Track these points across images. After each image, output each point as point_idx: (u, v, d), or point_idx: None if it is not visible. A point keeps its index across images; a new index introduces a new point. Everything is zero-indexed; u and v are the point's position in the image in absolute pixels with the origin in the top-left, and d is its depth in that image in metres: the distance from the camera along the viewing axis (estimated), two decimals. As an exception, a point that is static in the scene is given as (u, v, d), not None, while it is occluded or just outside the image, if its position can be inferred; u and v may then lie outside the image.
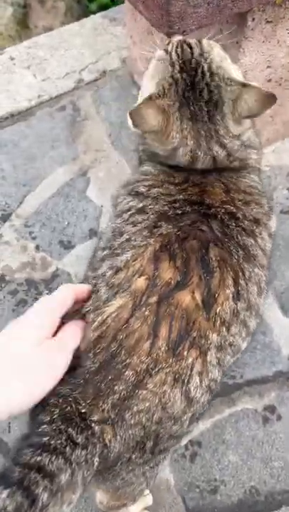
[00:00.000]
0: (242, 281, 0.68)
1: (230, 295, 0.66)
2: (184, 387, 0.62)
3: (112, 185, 1.39)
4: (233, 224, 0.71)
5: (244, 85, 0.70)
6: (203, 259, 0.65)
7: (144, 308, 0.61)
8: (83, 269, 1.27)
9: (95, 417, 0.59)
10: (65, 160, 1.44)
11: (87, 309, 0.65)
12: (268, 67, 1.10)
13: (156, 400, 0.61)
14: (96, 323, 0.63)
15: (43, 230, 1.33)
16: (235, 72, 0.74)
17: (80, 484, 0.57)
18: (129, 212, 0.73)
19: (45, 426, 0.56)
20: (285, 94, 1.22)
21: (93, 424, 0.59)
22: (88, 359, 0.62)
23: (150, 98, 0.69)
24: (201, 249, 0.66)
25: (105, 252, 0.71)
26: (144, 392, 0.61)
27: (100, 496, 0.87)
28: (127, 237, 0.69)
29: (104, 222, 1.34)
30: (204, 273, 0.64)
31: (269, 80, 1.15)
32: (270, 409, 1.08)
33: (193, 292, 0.63)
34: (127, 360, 0.61)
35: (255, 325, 0.74)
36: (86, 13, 2.73)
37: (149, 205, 0.72)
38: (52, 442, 0.55)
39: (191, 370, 0.63)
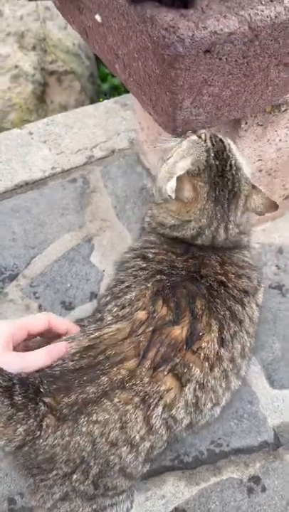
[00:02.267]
0: (226, 334, 0.76)
1: (215, 339, 0.74)
2: (147, 412, 0.67)
3: (114, 252, 1.50)
4: (222, 290, 0.80)
5: (254, 187, 0.86)
6: (190, 305, 0.74)
7: (140, 336, 0.70)
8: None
9: (47, 400, 0.63)
10: (72, 227, 1.55)
11: (90, 331, 0.73)
12: (259, 159, 1.25)
13: (116, 417, 0.65)
14: (92, 335, 0.71)
15: (47, 291, 1.41)
16: (247, 170, 0.89)
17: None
18: (132, 269, 0.84)
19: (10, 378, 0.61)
20: (274, 183, 1.37)
21: (41, 403, 0.63)
22: (71, 359, 0.68)
23: (188, 173, 0.82)
24: (188, 297, 0.75)
25: (108, 298, 0.81)
26: (109, 403, 0.65)
27: None
28: (128, 284, 0.80)
29: (104, 286, 1.43)
30: (192, 316, 0.73)
31: (260, 170, 1.30)
32: (255, 479, 1.11)
33: (183, 328, 0.72)
34: (107, 369, 0.66)
35: (236, 386, 0.81)
36: (98, 92, 3.01)
37: (152, 265, 0.83)
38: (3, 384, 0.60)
39: (160, 398, 0.68)
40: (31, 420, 0.62)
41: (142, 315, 0.72)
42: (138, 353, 0.68)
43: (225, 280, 0.82)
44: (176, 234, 0.88)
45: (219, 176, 0.83)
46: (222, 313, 0.77)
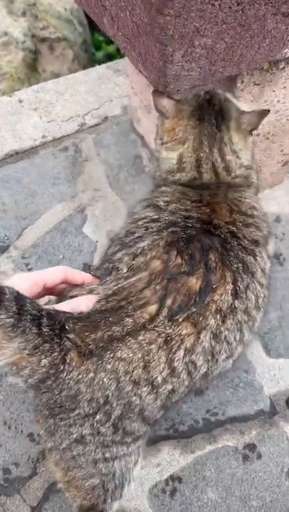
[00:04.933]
0: (240, 285, 0.76)
1: (229, 291, 0.74)
2: (170, 355, 0.68)
3: (107, 222, 1.46)
4: (235, 242, 0.79)
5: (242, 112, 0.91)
6: (204, 258, 0.74)
7: (157, 285, 0.70)
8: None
9: (71, 336, 0.64)
10: (64, 197, 1.51)
11: (107, 280, 0.74)
12: (256, 122, 1.20)
13: (140, 355, 0.66)
14: (114, 286, 0.72)
15: (39, 263, 1.38)
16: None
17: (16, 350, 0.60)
18: (144, 220, 0.82)
19: (28, 306, 0.61)
20: (272, 148, 1.32)
21: (65, 338, 0.64)
22: (98, 304, 0.70)
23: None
24: (202, 250, 0.75)
25: (118, 247, 0.80)
26: (133, 341, 0.66)
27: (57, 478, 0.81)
28: (139, 235, 0.79)
29: (98, 257, 1.40)
30: (206, 269, 0.73)
31: (258, 134, 1.25)
32: (251, 447, 1.10)
33: (197, 280, 0.72)
34: (131, 312, 0.68)
35: (249, 339, 0.82)
36: (92, 61, 2.90)
37: (164, 216, 0.81)
38: (27, 308, 0.60)
39: (181, 342, 0.69)
40: (55, 353, 0.63)
41: (157, 264, 0.73)
42: (157, 300, 0.70)
43: (235, 231, 0.81)
44: (182, 176, 0.90)
45: (206, 101, 0.90)
46: (235, 266, 0.77)
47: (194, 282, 0.72)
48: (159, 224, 0.80)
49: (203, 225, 0.80)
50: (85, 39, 2.92)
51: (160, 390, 0.70)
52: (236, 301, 0.75)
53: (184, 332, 0.70)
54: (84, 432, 0.69)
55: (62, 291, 0.77)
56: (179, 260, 0.73)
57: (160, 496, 1.04)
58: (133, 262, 0.74)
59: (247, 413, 1.15)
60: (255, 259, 0.81)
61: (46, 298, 0.79)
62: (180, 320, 0.69)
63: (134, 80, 1.53)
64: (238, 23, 0.78)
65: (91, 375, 0.65)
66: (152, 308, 0.69)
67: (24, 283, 0.66)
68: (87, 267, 1.38)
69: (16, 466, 1.07)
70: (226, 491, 1.05)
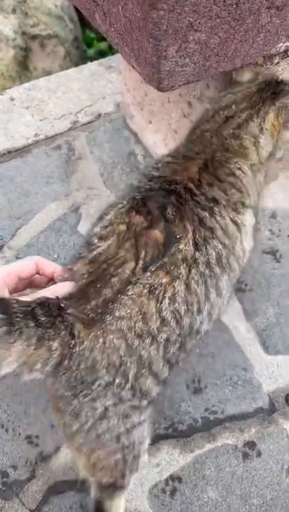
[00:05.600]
0: (199, 238, 0.80)
1: (190, 241, 0.78)
2: (157, 304, 0.72)
3: (102, 221, 1.45)
4: (189, 197, 0.83)
5: None
6: (162, 213, 0.79)
7: (126, 243, 0.74)
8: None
9: (71, 310, 0.66)
10: (58, 196, 1.50)
11: (82, 255, 0.77)
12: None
13: (136, 309, 0.70)
14: (89, 257, 0.75)
15: (34, 263, 1.36)
16: None
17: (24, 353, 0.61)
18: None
19: (15, 306, 0.62)
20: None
21: (65, 314, 0.65)
22: (81, 279, 0.72)
23: None
24: (159, 206, 0.80)
25: (91, 227, 0.87)
26: (126, 298, 0.69)
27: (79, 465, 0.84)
28: (106, 211, 0.85)
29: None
30: (165, 221, 0.78)
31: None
32: (250, 445, 1.10)
33: (161, 232, 0.76)
34: (114, 272, 0.72)
35: (216, 301, 0.84)
36: (84, 58, 2.88)
37: (135, 187, 0.89)
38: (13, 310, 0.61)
39: (164, 291, 0.73)
40: (63, 332, 0.64)
41: (122, 227, 0.77)
42: (132, 257, 0.73)
43: (192, 187, 0.84)
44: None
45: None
46: (191, 218, 0.80)
47: (158, 235, 0.76)
48: (126, 196, 0.86)
49: (163, 183, 0.85)
50: (77, 36, 2.89)
51: (158, 339, 0.73)
52: (197, 253, 0.79)
53: (164, 281, 0.73)
54: (107, 403, 0.70)
55: (42, 283, 0.77)
56: (139, 219, 0.77)
57: (160, 496, 1.04)
58: (102, 232, 0.79)
59: (246, 411, 1.14)
60: (212, 216, 0.83)
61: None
62: (153, 270, 0.73)
63: (127, 77, 1.52)
64: (232, 17, 0.77)
65: (101, 340, 0.67)
66: (130, 265, 0.73)
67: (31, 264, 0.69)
68: (82, 267, 1.37)
69: (14, 469, 1.06)
70: (226, 490, 1.05)
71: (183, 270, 0.76)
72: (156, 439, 1.10)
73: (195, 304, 0.79)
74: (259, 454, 1.09)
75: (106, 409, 0.71)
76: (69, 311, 0.66)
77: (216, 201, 0.85)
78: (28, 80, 2.52)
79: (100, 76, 1.85)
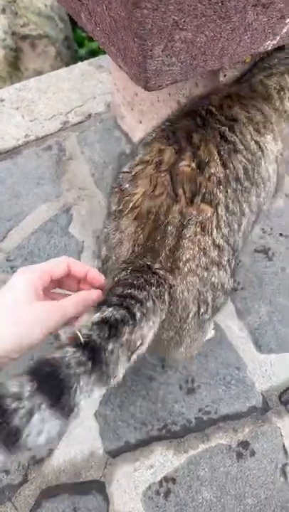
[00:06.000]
0: (224, 154, 0.85)
1: (218, 161, 0.83)
2: (210, 237, 0.79)
3: (93, 221, 1.44)
4: (210, 117, 0.89)
5: None
6: (189, 141, 0.84)
7: (160, 187, 0.80)
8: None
9: (157, 266, 0.76)
10: (49, 197, 1.49)
11: (119, 208, 0.83)
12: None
13: (197, 248, 0.78)
14: (129, 209, 0.81)
15: (25, 265, 1.35)
16: None
17: (159, 311, 0.71)
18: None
19: (126, 274, 0.73)
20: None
21: (157, 271, 0.75)
22: (136, 236, 0.79)
23: None
24: (186, 136, 0.85)
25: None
26: (186, 241, 0.77)
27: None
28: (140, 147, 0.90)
29: (85, 257, 1.38)
30: (192, 148, 0.83)
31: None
32: (244, 444, 1.10)
33: (189, 163, 0.81)
34: (166, 220, 0.78)
35: (248, 214, 0.89)
36: (75, 58, 2.86)
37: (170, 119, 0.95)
38: (135, 282, 0.70)
39: (211, 223, 0.80)
40: (166, 286, 0.75)
41: (150, 170, 0.82)
42: (172, 197, 0.79)
43: (214, 110, 0.90)
44: None
45: None
46: (213, 136, 0.85)
47: (189, 166, 0.81)
48: (156, 128, 0.93)
49: (189, 110, 0.92)
50: (67, 35, 2.87)
51: (223, 263, 0.82)
52: (227, 171, 0.84)
53: (208, 215, 0.80)
54: (197, 323, 0.84)
55: (71, 285, 0.72)
56: (168, 153, 0.83)
57: (154, 498, 1.03)
58: (132, 174, 0.85)
59: (240, 410, 1.14)
60: (232, 132, 0.88)
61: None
62: (199, 203, 0.79)
63: (117, 76, 1.51)
64: (218, 15, 0.76)
65: (184, 281, 0.78)
66: (176, 208, 0.78)
67: (36, 276, 0.62)
68: (74, 268, 1.36)
69: (6, 473, 1.05)
70: (221, 490, 1.04)
71: (220, 194, 0.82)
72: (150, 441, 1.10)
73: (235, 223, 0.85)
74: (253, 454, 1.08)
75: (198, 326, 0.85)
76: (156, 266, 0.76)
77: (235, 120, 0.90)
78: (19, 81, 2.51)
79: (91, 76, 1.84)
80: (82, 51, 3.01)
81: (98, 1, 0.77)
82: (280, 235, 1.39)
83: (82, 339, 0.56)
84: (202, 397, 1.16)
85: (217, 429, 1.12)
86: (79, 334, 0.57)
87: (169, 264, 0.77)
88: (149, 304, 0.68)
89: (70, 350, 0.55)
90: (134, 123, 1.54)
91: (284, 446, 1.09)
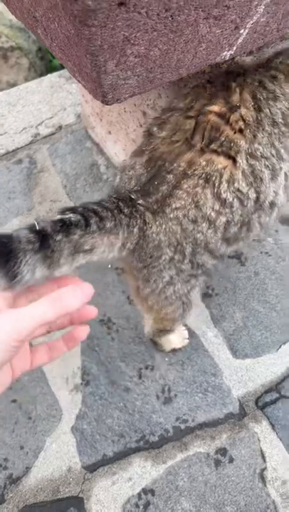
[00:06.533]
0: (260, 97, 0.85)
1: (251, 106, 0.83)
2: (214, 189, 0.80)
3: (67, 234, 1.44)
4: (249, 72, 0.90)
5: None
6: (224, 88, 0.86)
7: (181, 131, 0.82)
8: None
9: (140, 201, 0.79)
10: (20, 211, 1.48)
11: (142, 149, 0.86)
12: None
13: (190, 199, 0.79)
14: (148, 151, 0.84)
15: (-2, 280, 1.34)
16: None
17: (121, 236, 0.77)
18: None
19: (108, 198, 0.79)
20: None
21: (138, 205, 0.79)
22: (141, 178, 0.83)
23: None
24: (223, 83, 0.87)
25: None
26: (180, 191, 0.79)
27: (147, 325, 1.17)
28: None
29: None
30: (226, 94, 0.85)
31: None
32: (222, 451, 1.10)
33: (219, 109, 0.82)
34: (169, 168, 0.80)
35: (287, 157, 0.87)
36: (49, 68, 2.86)
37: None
38: (107, 205, 0.76)
39: (220, 176, 0.80)
40: (139, 220, 0.79)
41: (179, 115, 0.85)
42: (188, 143, 0.81)
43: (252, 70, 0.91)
44: None
45: None
46: (250, 82, 0.86)
47: (218, 108, 0.82)
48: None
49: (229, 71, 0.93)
50: (40, 47, 2.87)
51: (216, 223, 0.82)
52: (261, 114, 0.84)
53: (219, 166, 0.80)
54: (171, 273, 0.86)
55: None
56: (200, 101, 0.85)
57: (133, 511, 1.02)
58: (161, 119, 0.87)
59: (217, 417, 1.14)
60: (272, 82, 0.88)
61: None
62: (214, 151, 0.80)
63: (84, 88, 1.51)
64: (170, 29, 0.77)
65: (164, 226, 0.81)
66: (186, 157, 0.80)
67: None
68: (48, 281, 1.35)
69: (-17, 494, 1.04)
70: (200, 499, 1.04)
71: (242, 142, 0.81)
72: (128, 453, 1.09)
73: (265, 171, 0.84)
74: (231, 460, 1.09)
75: (171, 277, 0.87)
76: (140, 201, 0.80)
77: (275, 77, 0.90)
78: (-8, 93, 2.49)
79: (60, 87, 1.84)
80: (56, 61, 3.01)
81: (50, 18, 0.77)
82: (252, 239, 1.40)
83: (37, 227, 0.65)
84: (179, 405, 1.16)
85: (195, 438, 1.11)
86: (35, 222, 0.65)
87: (155, 207, 0.80)
88: (109, 224, 0.74)
89: (25, 231, 0.63)
90: (103, 133, 1.55)
91: (261, 451, 1.09)
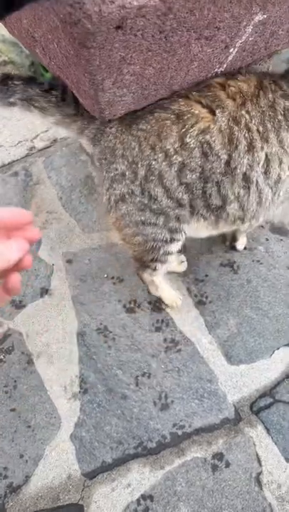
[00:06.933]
0: (268, 86, 0.93)
1: (252, 84, 0.93)
2: (182, 129, 0.88)
3: (63, 244, 1.46)
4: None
5: None
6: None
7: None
8: (34, 328, 1.31)
9: (111, 125, 0.92)
10: (17, 222, 1.50)
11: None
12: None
13: (156, 127, 0.89)
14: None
15: (-4, 291, 1.36)
16: None
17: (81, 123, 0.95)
18: None
19: None
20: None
21: (109, 128, 0.92)
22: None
23: None
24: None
25: None
26: (151, 117, 0.89)
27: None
28: None
29: (55, 280, 1.39)
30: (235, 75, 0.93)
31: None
32: (219, 456, 1.12)
33: (223, 80, 0.92)
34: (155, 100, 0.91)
35: (277, 147, 0.93)
36: (41, 82, 2.90)
37: None
38: None
39: (196, 122, 0.88)
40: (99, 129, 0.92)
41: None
42: (180, 94, 0.90)
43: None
44: None
45: None
46: (262, 75, 0.96)
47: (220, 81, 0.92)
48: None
49: None
50: (33, 61, 2.92)
51: (172, 159, 0.88)
52: (260, 94, 0.90)
53: (196, 112, 0.87)
54: (123, 189, 0.92)
55: None
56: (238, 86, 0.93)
57: (133, 517, 1.04)
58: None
59: (213, 423, 1.17)
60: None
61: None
62: (199, 98, 0.88)
63: (79, 102, 1.55)
64: (164, 49, 0.81)
65: (123, 136, 0.89)
66: (172, 97, 0.90)
67: None
68: (44, 291, 1.37)
69: (-17, 503, 1.05)
70: (198, 504, 1.06)
71: (229, 103, 0.89)
72: (126, 459, 1.11)
73: (243, 141, 0.89)
74: (228, 465, 1.11)
75: (123, 195, 0.93)
76: (110, 126, 0.89)
77: None
78: (-15, 107, 2.51)
79: (55, 101, 1.88)
80: (48, 76, 3.05)
81: (49, 39, 0.81)
82: (244, 248, 1.44)
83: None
84: (176, 412, 1.18)
85: (192, 443, 1.14)
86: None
87: (128, 119, 0.90)
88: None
89: None
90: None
91: (257, 455, 1.11)
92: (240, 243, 1.41)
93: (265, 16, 0.89)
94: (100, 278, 1.39)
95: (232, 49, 0.94)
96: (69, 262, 1.42)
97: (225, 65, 0.98)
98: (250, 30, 0.91)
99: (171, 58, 0.85)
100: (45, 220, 1.52)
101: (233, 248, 1.43)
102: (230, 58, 0.97)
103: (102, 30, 0.67)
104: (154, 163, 0.90)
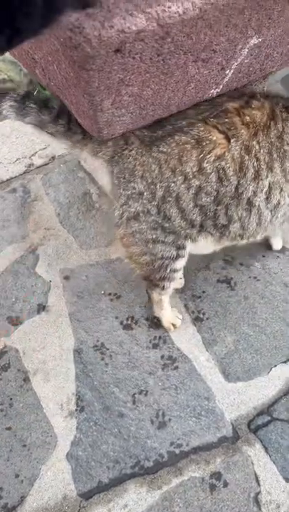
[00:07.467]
0: (279, 115, 0.97)
1: (266, 112, 0.96)
2: (200, 154, 0.92)
3: (60, 260, 1.47)
4: None
5: None
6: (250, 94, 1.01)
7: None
8: (31, 344, 1.30)
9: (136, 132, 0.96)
10: (14, 239, 1.51)
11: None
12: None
13: (176, 150, 0.93)
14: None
15: (-8, 307, 1.36)
16: None
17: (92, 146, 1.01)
18: None
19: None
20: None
21: (132, 148, 0.96)
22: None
23: None
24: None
25: None
26: (172, 140, 0.94)
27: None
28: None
29: (52, 296, 1.39)
30: (248, 97, 0.98)
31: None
32: (217, 476, 1.10)
33: (238, 104, 0.96)
34: (172, 121, 0.96)
35: (279, 175, 0.98)
36: (39, 100, 2.94)
37: None
38: None
39: (213, 148, 0.92)
40: (121, 141, 0.95)
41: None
42: (197, 116, 0.94)
43: None
44: None
45: None
46: (276, 101, 0.99)
47: (233, 106, 0.95)
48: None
49: None
50: (31, 79, 2.96)
51: (190, 182, 0.92)
52: (271, 124, 0.94)
53: (213, 138, 0.91)
54: (138, 208, 0.96)
55: None
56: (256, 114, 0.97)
57: (129, 539, 1.02)
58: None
59: (210, 441, 1.16)
60: None
61: None
62: (216, 124, 0.92)
63: (77, 120, 1.57)
64: (161, 71, 0.83)
65: (144, 158, 0.92)
66: (190, 120, 0.93)
67: None
68: (42, 308, 1.37)
69: (-23, 525, 1.03)
70: (196, 525, 1.04)
71: (244, 132, 0.92)
72: (123, 479, 1.10)
73: (251, 169, 0.93)
74: (226, 485, 1.09)
75: (137, 213, 0.96)
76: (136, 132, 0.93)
77: None
78: (-16, 124, 2.54)
79: (53, 119, 1.90)
80: (47, 92, 3.09)
81: (49, 61, 0.83)
82: (241, 264, 1.45)
83: None
84: (173, 430, 1.17)
85: (189, 462, 1.12)
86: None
87: (146, 139, 0.95)
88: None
89: None
90: (96, 163, 1.60)
91: (256, 474, 1.10)
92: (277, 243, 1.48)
93: (260, 40, 0.91)
94: (97, 294, 1.39)
95: (228, 71, 0.97)
96: (66, 278, 1.43)
97: (221, 86, 1.00)
98: (246, 52, 0.94)
99: (169, 80, 0.87)
100: (42, 237, 1.52)
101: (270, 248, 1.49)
102: (226, 79, 0.99)
103: (101, 53, 0.69)
104: (172, 185, 0.94)
